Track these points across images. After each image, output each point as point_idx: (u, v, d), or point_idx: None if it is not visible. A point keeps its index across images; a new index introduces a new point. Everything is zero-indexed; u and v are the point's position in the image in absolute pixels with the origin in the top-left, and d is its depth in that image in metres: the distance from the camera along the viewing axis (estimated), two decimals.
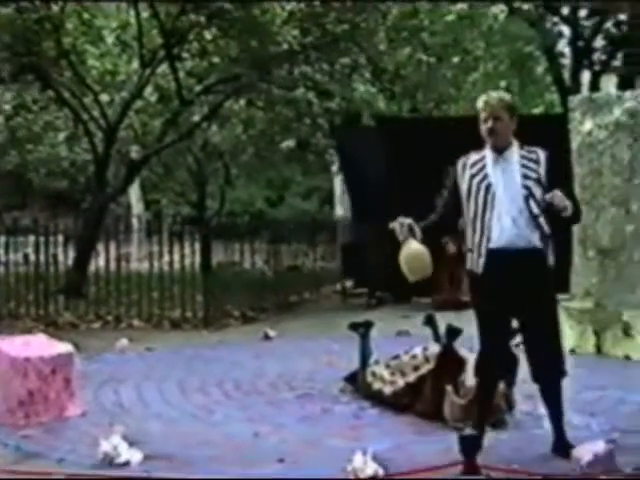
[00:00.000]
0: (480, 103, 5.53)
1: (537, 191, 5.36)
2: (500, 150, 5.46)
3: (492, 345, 5.46)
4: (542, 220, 5.35)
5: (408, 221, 5.57)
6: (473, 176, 5.47)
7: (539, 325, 5.41)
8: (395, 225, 5.57)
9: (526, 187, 5.36)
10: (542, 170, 5.41)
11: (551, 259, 5.40)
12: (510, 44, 22.38)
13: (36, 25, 13.45)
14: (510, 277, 5.31)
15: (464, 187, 5.49)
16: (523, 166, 5.41)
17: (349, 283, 15.11)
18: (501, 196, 5.37)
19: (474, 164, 5.52)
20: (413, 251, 5.55)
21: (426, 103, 18.33)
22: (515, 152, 5.47)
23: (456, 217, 5.72)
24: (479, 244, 5.41)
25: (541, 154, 5.47)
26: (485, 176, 5.43)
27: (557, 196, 5.25)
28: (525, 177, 5.38)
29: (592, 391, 7.21)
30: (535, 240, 5.34)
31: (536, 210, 5.34)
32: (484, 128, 5.47)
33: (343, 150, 16.12)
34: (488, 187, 5.39)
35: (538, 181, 5.38)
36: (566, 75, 20.84)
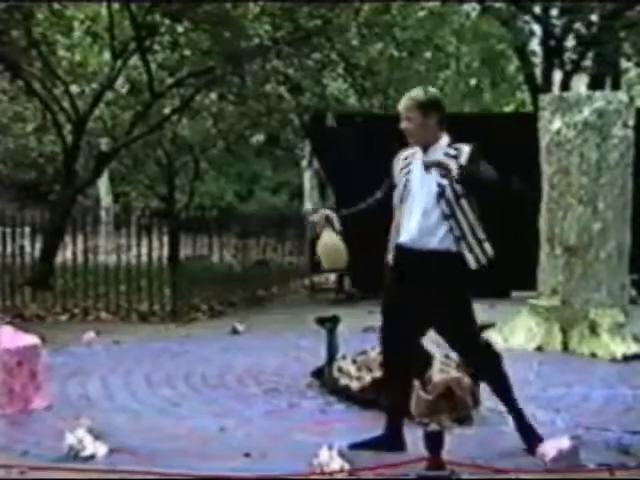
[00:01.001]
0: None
1: (453, 191, 5.32)
2: (425, 147, 5.46)
3: (390, 341, 5.54)
4: (454, 221, 5.33)
5: (326, 212, 5.65)
6: (401, 169, 5.56)
7: (448, 327, 5.48)
8: (314, 217, 5.68)
9: (440, 185, 5.32)
10: (462, 162, 5.28)
11: (470, 259, 5.37)
12: (482, 42, 22.50)
13: (5, 14, 13.33)
14: (411, 275, 5.37)
15: (395, 179, 5.58)
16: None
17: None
18: (415, 193, 5.41)
19: (406, 158, 5.58)
20: (325, 242, 5.61)
21: (398, 99, 18.34)
22: (439, 150, 5.41)
23: (386, 205, 5.77)
24: (393, 237, 5.53)
25: (465, 148, 5.38)
26: (408, 171, 5.50)
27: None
28: (442, 175, 5.31)
29: (558, 388, 7.28)
30: (440, 241, 5.33)
31: (447, 210, 5.33)
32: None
33: (317, 146, 16.10)
34: (406, 182, 5.47)
35: (455, 179, 5.27)
36: (538, 74, 20.95)
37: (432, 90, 5.73)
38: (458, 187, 5.31)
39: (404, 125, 5.46)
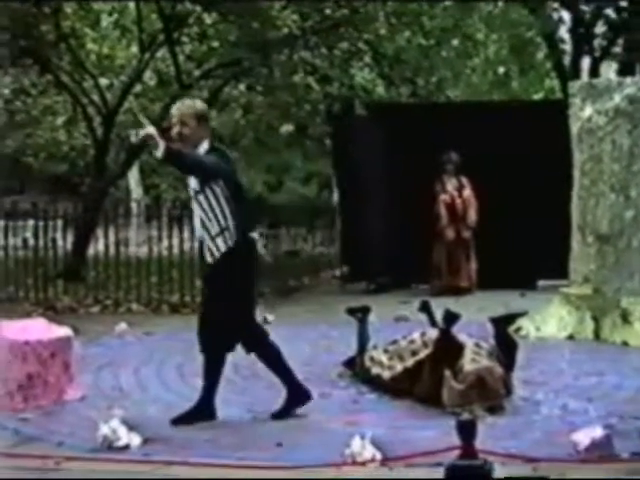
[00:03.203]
0: (172, 109, 6.19)
1: (203, 192, 5.98)
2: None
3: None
4: (205, 218, 6.00)
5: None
6: None
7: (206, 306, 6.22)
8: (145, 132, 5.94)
9: (192, 189, 6.07)
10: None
11: (221, 247, 6.04)
12: (510, 29, 22.32)
13: (34, 8, 13.40)
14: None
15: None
16: None
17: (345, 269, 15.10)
18: (191, 195, 6.14)
19: None
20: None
21: (426, 88, 18.30)
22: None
23: None
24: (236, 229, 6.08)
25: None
26: None
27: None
28: (195, 177, 6.05)
29: (590, 377, 7.24)
30: (204, 235, 6.05)
31: (199, 210, 6.02)
32: (174, 132, 6.09)
33: (340, 136, 16.06)
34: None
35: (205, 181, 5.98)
36: (566, 61, 20.79)
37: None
38: (194, 183, 6.04)
39: (178, 129, 6.06)
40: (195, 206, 6.10)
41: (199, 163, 5.97)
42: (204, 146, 6.07)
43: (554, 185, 11.16)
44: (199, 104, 6.33)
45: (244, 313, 6.15)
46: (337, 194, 16.62)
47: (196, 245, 6.45)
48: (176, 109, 6.16)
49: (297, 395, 6.21)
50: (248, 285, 6.19)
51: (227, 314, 6.05)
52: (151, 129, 5.73)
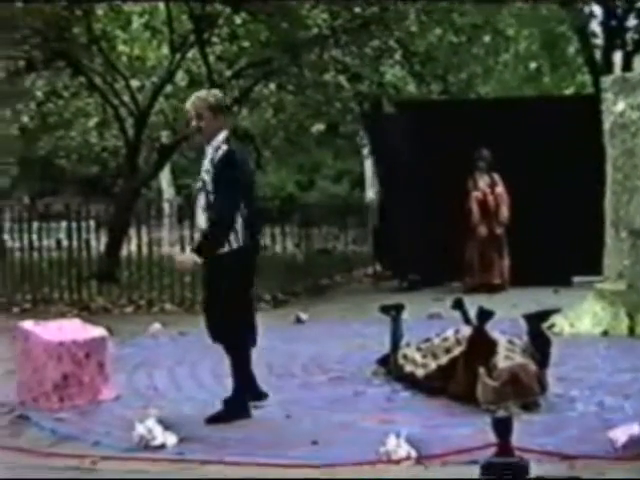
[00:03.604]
0: (187, 103, 6.12)
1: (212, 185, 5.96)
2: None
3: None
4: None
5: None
6: None
7: (209, 300, 6.27)
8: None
9: (202, 180, 6.04)
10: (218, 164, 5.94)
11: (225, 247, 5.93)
12: (541, 25, 22.22)
13: (66, 11, 13.49)
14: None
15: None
16: (210, 160, 6.01)
17: (378, 267, 15.11)
18: (197, 187, 6.16)
19: None
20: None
21: (457, 85, 18.24)
22: (211, 147, 6.06)
23: None
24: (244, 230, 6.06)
25: (222, 149, 5.98)
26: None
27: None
28: (205, 171, 6.02)
29: (625, 373, 7.18)
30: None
31: (203, 202, 6.02)
32: (192, 126, 6.17)
33: (373, 134, 16.06)
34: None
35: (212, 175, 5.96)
36: (598, 55, 20.66)
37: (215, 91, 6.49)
38: (209, 184, 5.99)
39: (195, 122, 6.08)
40: (203, 200, 6.05)
41: (226, 212, 5.93)
42: (220, 137, 6.05)
43: (587, 180, 11.09)
44: (212, 96, 6.21)
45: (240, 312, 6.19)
46: (379, 192, 16.63)
47: None
48: (190, 103, 6.13)
49: (239, 409, 6.10)
50: (247, 284, 6.24)
51: (229, 313, 6.12)
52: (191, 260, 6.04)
